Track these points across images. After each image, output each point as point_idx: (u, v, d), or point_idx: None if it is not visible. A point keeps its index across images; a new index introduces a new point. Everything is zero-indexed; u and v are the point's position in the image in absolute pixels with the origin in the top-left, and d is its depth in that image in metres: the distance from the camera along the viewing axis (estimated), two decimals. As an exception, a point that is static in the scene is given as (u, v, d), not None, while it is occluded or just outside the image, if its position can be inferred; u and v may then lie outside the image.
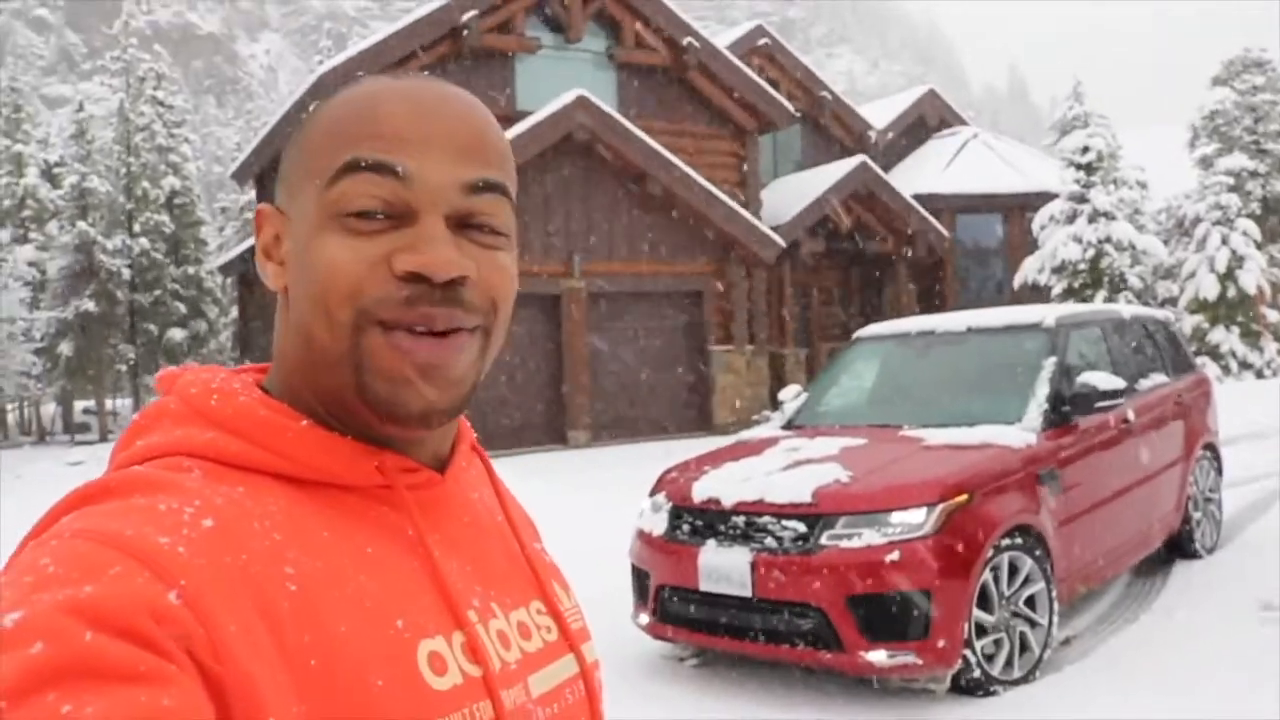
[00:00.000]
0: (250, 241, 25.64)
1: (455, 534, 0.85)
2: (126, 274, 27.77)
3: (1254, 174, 26.38)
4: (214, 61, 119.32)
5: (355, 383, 0.78)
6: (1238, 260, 22.68)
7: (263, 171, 22.06)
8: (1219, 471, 7.90)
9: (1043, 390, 5.95)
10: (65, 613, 0.60)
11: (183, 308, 28.97)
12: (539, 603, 0.90)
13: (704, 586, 5.27)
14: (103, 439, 27.58)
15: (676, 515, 5.61)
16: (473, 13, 16.95)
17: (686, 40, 18.66)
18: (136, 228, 28.59)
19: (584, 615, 0.98)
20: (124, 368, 28.38)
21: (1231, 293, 22.59)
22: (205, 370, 0.85)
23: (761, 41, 24.47)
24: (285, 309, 0.83)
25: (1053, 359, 6.14)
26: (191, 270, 29.61)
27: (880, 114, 27.28)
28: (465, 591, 0.81)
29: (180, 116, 32.80)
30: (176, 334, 28.36)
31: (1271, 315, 23.45)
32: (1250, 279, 22.54)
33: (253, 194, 26.43)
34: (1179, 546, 7.26)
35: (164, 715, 0.59)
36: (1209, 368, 20.92)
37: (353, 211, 0.76)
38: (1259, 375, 22.47)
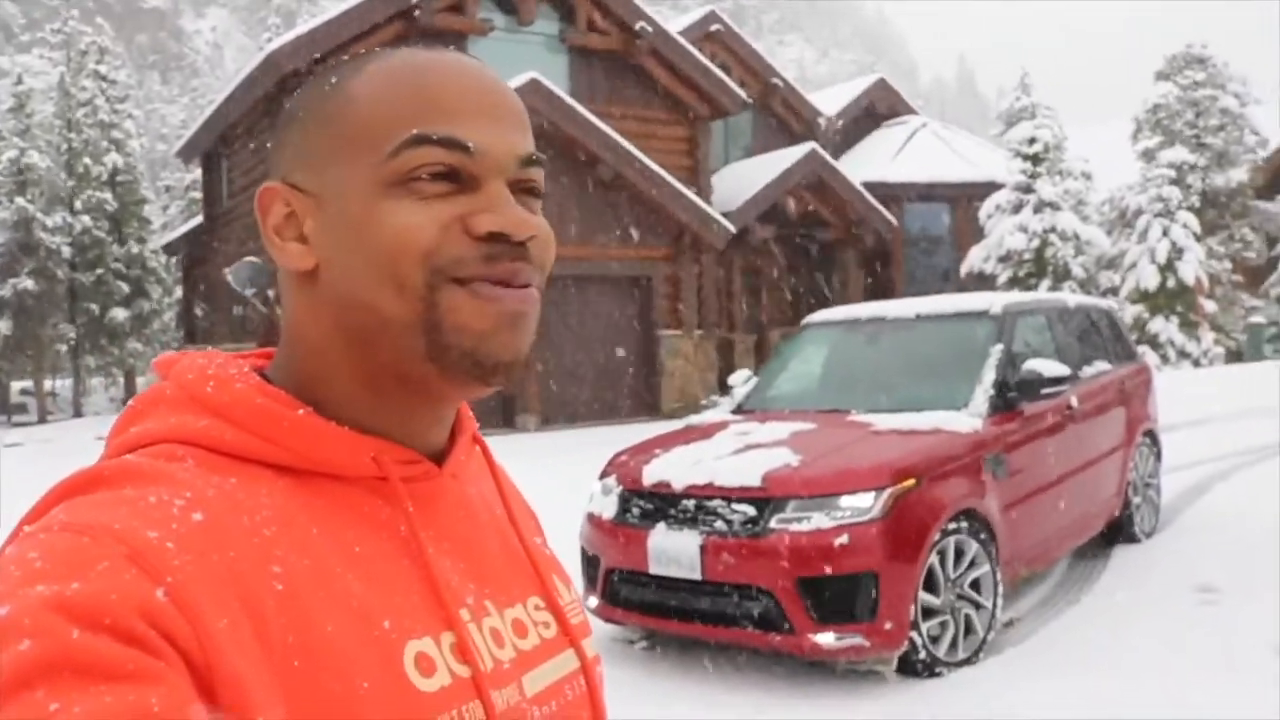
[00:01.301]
0: (196, 220, 25.30)
1: (451, 528, 0.84)
2: (67, 252, 27.31)
3: (1194, 167, 26.83)
4: (159, 37, 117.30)
5: (428, 345, 0.77)
6: (1177, 252, 23.07)
7: (209, 150, 21.74)
8: (1158, 457, 8.06)
9: (989, 376, 6.03)
10: (52, 610, 0.59)
11: (125, 287, 28.53)
12: (538, 598, 0.89)
13: (654, 569, 5.30)
14: (41, 420, 27.14)
15: (626, 499, 5.63)
16: (424, -8, 16.82)
17: (639, 25, 18.63)
18: (77, 205, 28.13)
19: (583, 610, 0.97)
20: (64, 348, 27.93)
21: (1171, 283, 22.98)
22: (203, 355, 0.84)
23: (714, 27, 24.49)
24: (307, 290, 0.81)
25: (999, 346, 6.22)
26: (135, 249, 29.17)
27: (830, 102, 27.42)
28: (458, 589, 0.80)
29: (123, 92, 32.22)
30: (119, 314, 27.95)
31: (1209, 306, 23.90)
32: (1189, 270, 22.95)
33: (198, 172, 26.04)
34: (1119, 530, 7.40)
35: (153, 713, 0.58)
36: (1148, 356, 21.29)
37: (423, 177, 0.77)
38: (1196, 364, 22.90)
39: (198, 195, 28.20)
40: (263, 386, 0.80)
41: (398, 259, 0.76)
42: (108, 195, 28.80)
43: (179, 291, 29.11)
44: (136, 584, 0.62)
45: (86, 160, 28.82)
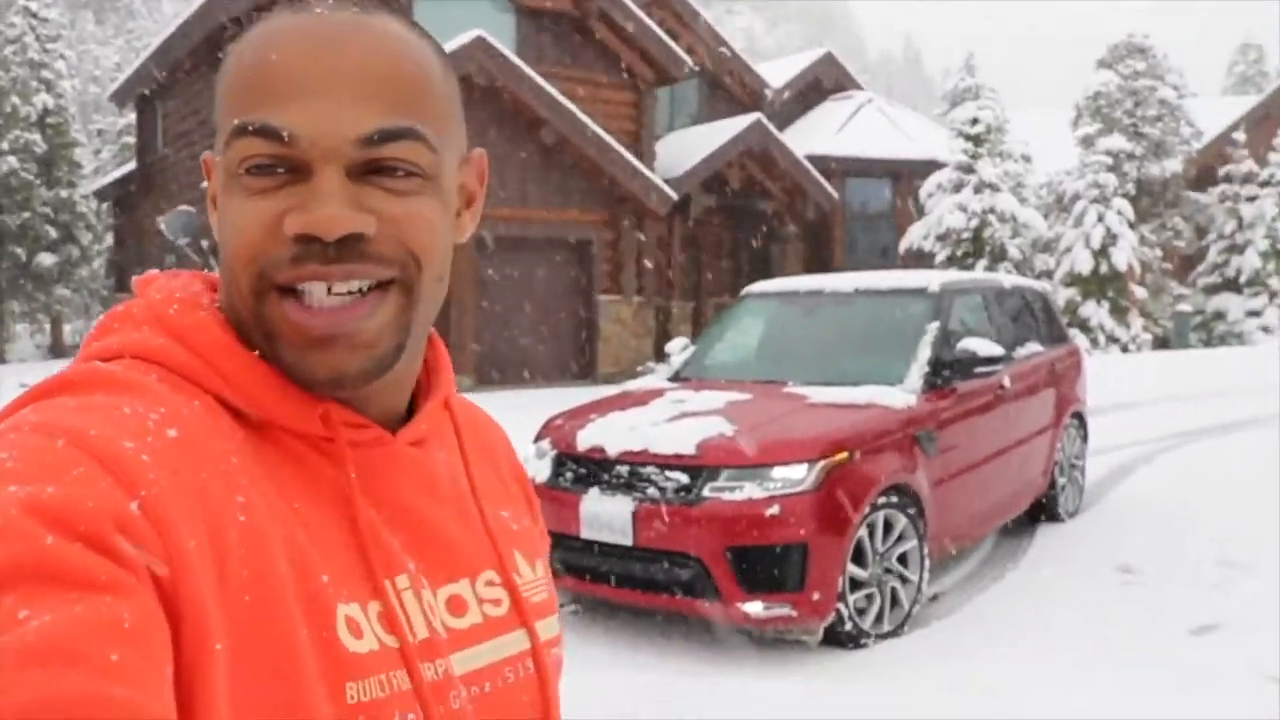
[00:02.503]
0: (129, 166, 24.74)
1: (398, 497, 0.80)
2: (-8, 193, 26.57)
3: (1131, 156, 27.23)
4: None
5: (267, 348, 0.75)
6: (1111, 238, 23.43)
7: (144, 95, 21.23)
8: (1085, 439, 8.19)
9: (925, 354, 6.07)
10: (26, 512, 0.57)
11: (53, 232, 27.83)
12: (491, 573, 0.85)
13: (585, 534, 5.28)
14: (-38, 364, 26.45)
15: (560, 462, 5.61)
16: (370, -58, 16.48)
17: (589, -14, 18.44)
18: (3, 145, 27.33)
19: (550, 588, 0.93)
20: (-13, 291, 27.23)
21: (1104, 269, 23.35)
22: (177, 277, 0.81)
23: (664, -7, 24.31)
24: None
25: (936, 323, 6.26)
26: (64, 193, 28.43)
27: (777, 73, 27.39)
28: (396, 558, 0.77)
29: (55, 31, 31.28)
30: (46, 259, 27.28)
31: (1139, 292, 24.34)
32: (1122, 257, 23.33)
33: (133, 117, 25.42)
34: (1044, 509, 7.51)
35: (123, 625, 0.56)
36: (1079, 340, 21.65)
37: (246, 170, 0.72)
38: (1124, 349, 23.33)
39: (131, 140, 27.56)
40: (224, 320, 0.77)
41: (231, 261, 0.74)
42: (36, 137, 28.01)
43: (109, 238, 28.49)
44: (111, 493, 0.60)
45: (14, 99, 27.99)
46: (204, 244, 16.46)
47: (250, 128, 0.71)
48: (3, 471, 0.59)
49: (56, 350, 28.76)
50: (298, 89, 0.71)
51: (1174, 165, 28.45)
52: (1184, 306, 26.46)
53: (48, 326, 30.23)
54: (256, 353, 0.75)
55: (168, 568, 0.61)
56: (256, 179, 0.72)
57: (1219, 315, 26.89)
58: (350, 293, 0.73)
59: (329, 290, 0.72)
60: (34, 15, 29.96)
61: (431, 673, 0.75)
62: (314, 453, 0.76)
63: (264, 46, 0.73)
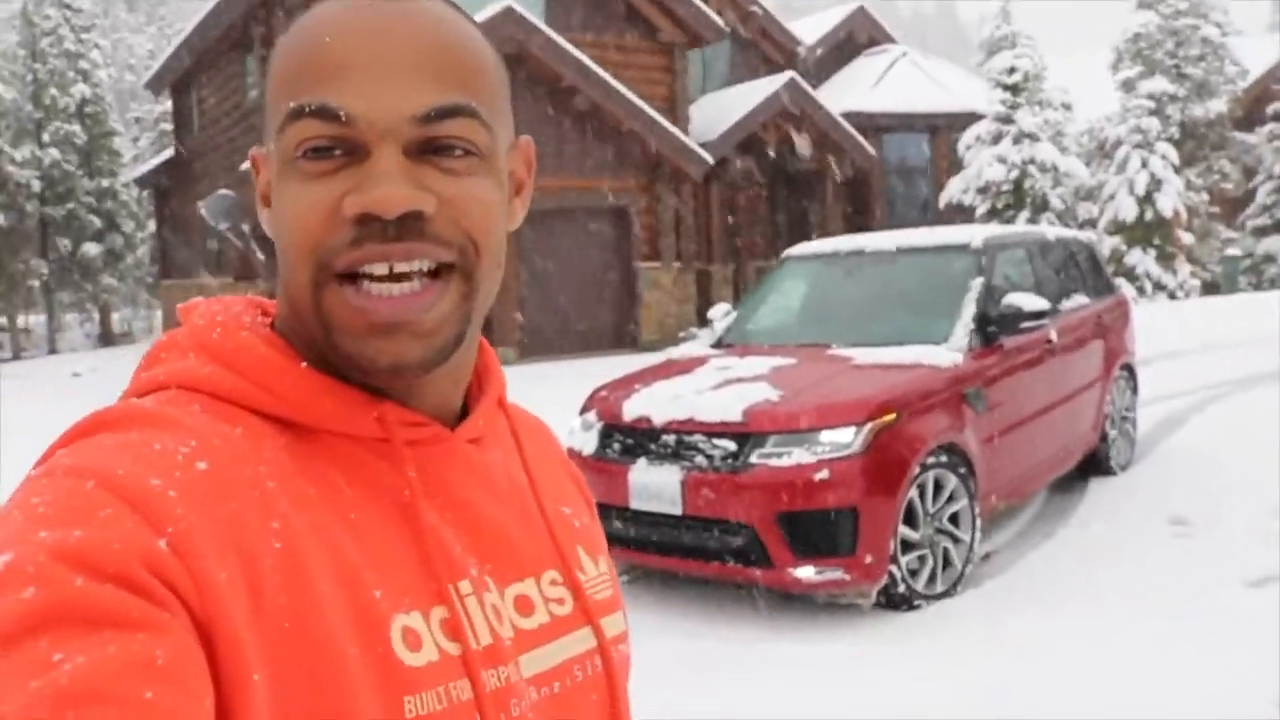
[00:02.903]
0: (168, 153, 24.95)
1: (460, 496, 0.80)
2: (36, 186, 26.91)
3: (1174, 98, 26.73)
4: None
5: (325, 339, 0.75)
6: (1156, 184, 23.06)
7: (179, 81, 21.38)
8: (1134, 391, 8.10)
9: (969, 311, 6.01)
10: (55, 557, 0.58)
11: (97, 221, 28.17)
12: (554, 573, 0.85)
13: (635, 505, 5.30)
14: (15, 356, 26.92)
15: (607, 434, 5.62)
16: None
17: (616, -49, 18.32)
18: (45, 137, 27.66)
19: (615, 584, 0.93)
20: (36, 283, 27.62)
21: (1149, 216, 23.00)
22: (219, 301, 0.81)
23: (692, -46, 24.09)
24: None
25: (980, 280, 6.20)
26: (105, 183, 28.74)
27: (810, 30, 27.10)
28: (459, 561, 0.77)
29: (89, 21, 31.51)
30: (91, 248, 27.63)
31: (1186, 238, 23.95)
32: (1168, 202, 22.96)
33: (169, 104, 25.61)
34: (1095, 463, 7.45)
35: (156, 662, 0.57)
36: (1125, 289, 21.37)
37: (303, 154, 0.72)
38: (1171, 297, 23.01)
39: (168, 127, 27.77)
40: (270, 337, 0.77)
41: (290, 251, 0.74)
42: (76, 128, 28.30)
43: (152, 225, 28.78)
44: (139, 533, 0.61)
45: (53, 91, 28.28)
46: (245, 227, 16.60)
47: (308, 109, 0.71)
48: (34, 517, 0.60)
49: (106, 339, 29.17)
50: (354, 69, 0.71)
51: (1219, 106, 27.89)
52: (1233, 251, 26.02)
53: (96, 315, 30.63)
54: (304, 364, 0.76)
55: (200, 601, 0.61)
56: (313, 162, 0.72)
57: (1269, 258, 26.43)
58: (413, 274, 0.72)
59: (390, 270, 0.72)
60: (68, 6, 30.19)
61: (494, 680, 0.75)
62: (370, 455, 0.76)
63: (317, 32, 0.73)
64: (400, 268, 0.72)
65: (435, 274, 0.73)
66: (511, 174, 0.83)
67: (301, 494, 0.71)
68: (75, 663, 0.55)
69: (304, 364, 0.76)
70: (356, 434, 0.76)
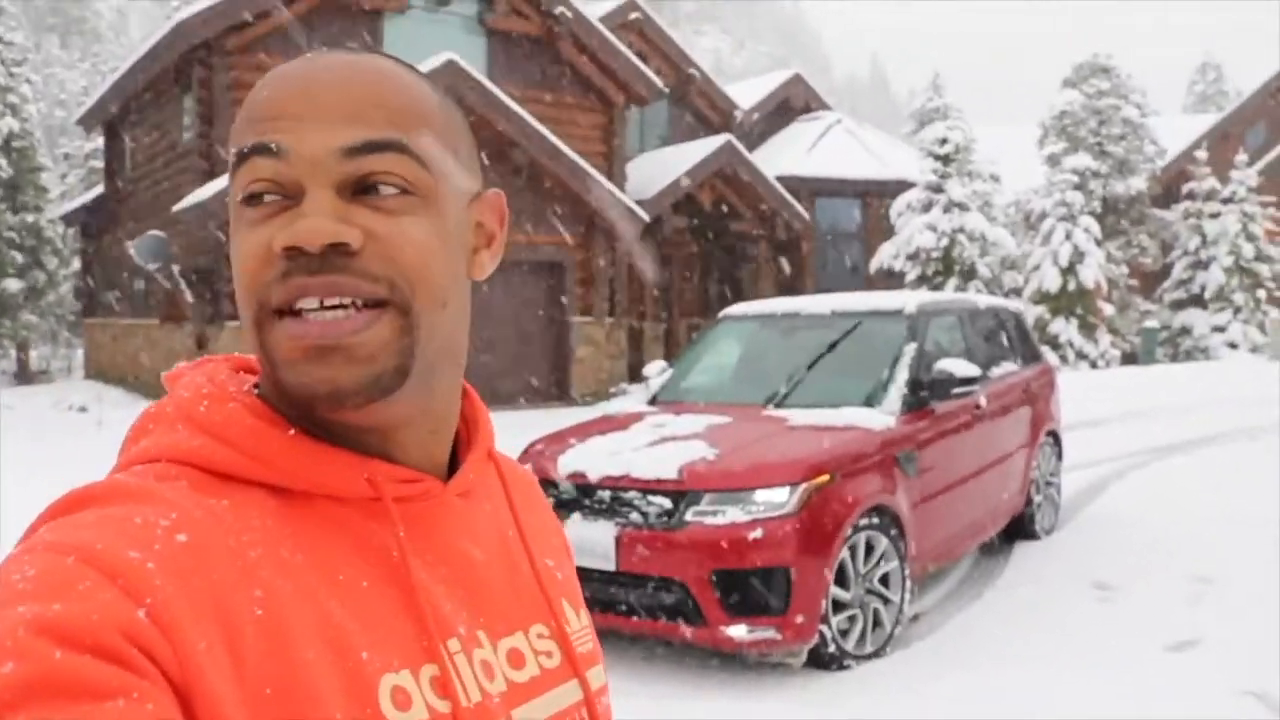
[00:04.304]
0: (97, 190, 24.55)
1: (450, 551, 0.81)
2: (-42, 219, 26.27)
3: (1096, 174, 27.54)
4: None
5: (273, 377, 0.76)
6: (1079, 255, 23.68)
7: (112, 119, 21.11)
8: (1059, 457, 8.27)
9: (902, 375, 6.12)
10: (34, 631, 0.59)
11: (19, 257, 27.53)
12: (542, 626, 0.86)
13: (568, 559, 5.27)
14: (-73, 392, 26.10)
15: (541, 488, 5.60)
16: (341, -33, 16.49)
17: (559, 9, 18.50)
18: (-31, 170, 27.06)
19: (594, 636, 0.94)
20: (-48, 318, 26.88)
21: (1072, 286, 23.58)
22: (205, 371, 0.82)
23: (633, 15, 24.43)
24: None
25: (913, 345, 6.32)
26: (30, 218, 28.11)
27: (746, 94, 27.55)
28: (449, 618, 0.78)
29: (21, 55, 30.98)
30: (12, 285, 26.94)
31: (1107, 309, 24.58)
32: (1090, 274, 23.57)
33: (100, 141, 25.26)
34: (1021, 527, 7.57)
35: None
36: (1049, 357, 21.80)
37: (244, 198, 0.75)
38: (1093, 365, 23.56)
39: (98, 164, 27.33)
40: (255, 405, 0.78)
41: (239, 293, 0.76)
42: (2, 161, 27.76)
43: (76, 263, 28.22)
44: (117, 604, 0.61)
45: (-20, 124, 27.75)
46: (175, 268, 16.36)
47: (245, 150, 0.74)
48: (14, 593, 0.61)
49: (22, 376, 28.44)
50: (287, 112, 0.74)
51: (1139, 183, 28.81)
52: (1150, 322, 26.73)
53: (14, 352, 29.89)
54: (292, 430, 0.76)
55: (179, 670, 0.62)
56: (254, 209, 0.74)
57: (1185, 330, 27.21)
58: (342, 306, 0.73)
59: (321, 304, 0.73)
60: (0, 40, 29.74)
61: None
62: (361, 516, 0.77)
63: (262, 87, 0.77)
64: (329, 302, 0.73)
65: (367, 305, 0.74)
66: (480, 225, 0.84)
67: (287, 561, 0.71)
68: None
69: (291, 430, 0.76)
70: (347, 496, 0.77)
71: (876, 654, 5.35)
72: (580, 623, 0.92)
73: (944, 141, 23.18)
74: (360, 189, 0.74)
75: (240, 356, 0.86)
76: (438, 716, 0.73)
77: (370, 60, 0.78)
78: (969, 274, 22.39)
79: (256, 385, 0.82)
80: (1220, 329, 26.69)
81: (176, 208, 15.06)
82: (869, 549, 5.37)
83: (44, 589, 0.61)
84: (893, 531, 5.47)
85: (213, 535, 0.69)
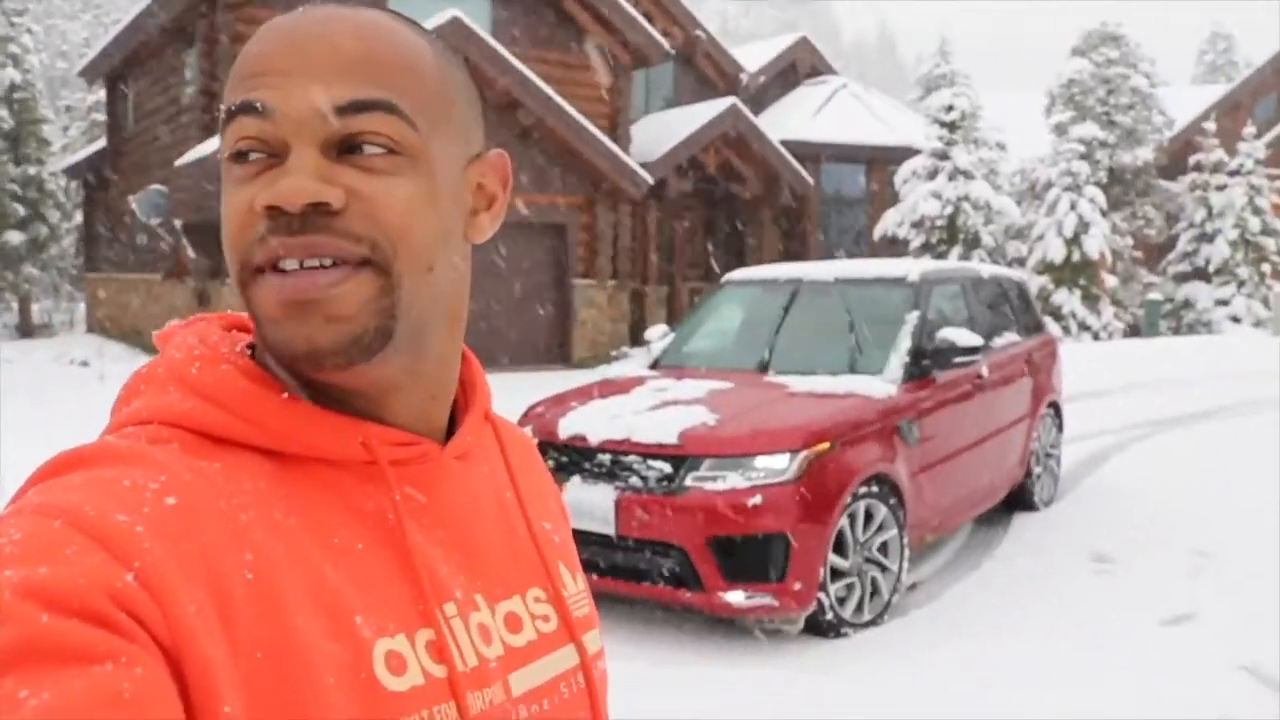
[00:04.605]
0: (99, 144, 24.44)
1: (447, 514, 0.80)
2: (-42, 170, 26.18)
3: (1103, 144, 27.35)
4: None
5: (261, 333, 0.74)
6: (1084, 226, 23.57)
7: (114, 72, 20.98)
8: (1060, 429, 8.26)
9: (905, 343, 6.10)
10: (21, 595, 0.58)
11: (21, 210, 27.43)
12: (539, 590, 0.86)
13: (567, 523, 5.28)
14: (-72, 343, 26.11)
15: (541, 450, 5.57)
16: (346, -79, 16.32)
17: (566, -32, 18.35)
18: (-31, 121, 26.92)
19: (590, 600, 0.93)
20: (-47, 269, 26.84)
21: (1076, 257, 23.49)
22: (196, 331, 0.80)
23: (640, -25, 24.22)
24: None
25: (916, 313, 6.29)
26: (32, 170, 27.99)
27: (753, 58, 27.36)
28: (445, 582, 0.77)
29: (22, 4, 30.77)
30: (14, 237, 26.88)
31: (1110, 281, 24.50)
32: (1094, 245, 23.47)
33: (102, 94, 25.12)
34: (1020, 498, 7.57)
35: (124, 695, 0.57)
36: (1052, 328, 21.75)
37: (231, 156, 0.73)
38: (1095, 337, 23.51)
39: (100, 117, 27.19)
40: (249, 367, 0.77)
41: (227, 251, 0.75)
42: (4, 112, 27.59)
43: (79, 217, 28.15)
44: (105, 567, 0.61)
45: (-19, 74, 27.59)
46: (177, 224, 16.31)
47: (233, 107, 0.73)
48: (1, 556, 0.60)
49: (24, 330, 28.44)
50: (275, 68, 0.73)
51: (1145, 154, 28.61)
52: (1154, 295, 26.65)
53: (15, 305, 29.88)
54: (285, 394, 0.75)
55: (168, 633, 0.61)
56: (241, 166, 0.73)
57: (1188, 304, 27.13)
58: (322, 267, 0.72)
59: (301, 265, 0.72)
60: (1, -11, 29.49)
61: (480, 702, 0.75)
62: (356, 479, 0.76)
63: (252, 42, 0.76)
64: (309, 263, 0.72)
65: (346, 264, 0.73)
66: (480, 187, 0.83)
67: (280, 524, 0.70)
68: (41, 699, 0.55)
69: (285, 394, 0.75)
70: (342, 459, 0.76)
71: (873, 622, 5.36)
72: (577, 586, 0.92)
73: (950, 109, 23.02)
74: (346, 148, 0.73)
75: (233, 315, 0.85)
76: (433, 681, 0.73)
77: (363, 15, 0.77)
78: (973, 242, 22.30)
79: (251, 346, 0.80)
80: (1224, 303, 26.61)
81: (178, 162, 15.00)
82: (868, 517, 5.37)
83: (31, 552, 0.60)
84: (892, 500, 5.48)
85: (203, 498, 0.68)
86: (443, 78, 0.79)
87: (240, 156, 0.73)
